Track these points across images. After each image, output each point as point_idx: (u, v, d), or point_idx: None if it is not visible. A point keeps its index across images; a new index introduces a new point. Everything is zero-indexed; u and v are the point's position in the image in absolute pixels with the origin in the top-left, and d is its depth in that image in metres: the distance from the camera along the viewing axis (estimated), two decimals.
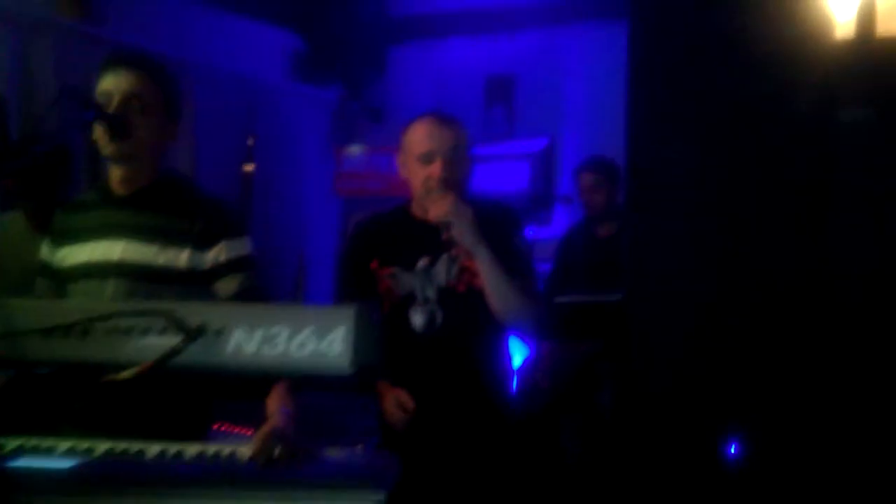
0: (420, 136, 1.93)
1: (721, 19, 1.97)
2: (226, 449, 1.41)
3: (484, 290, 1.86)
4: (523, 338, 2.04)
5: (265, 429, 1.40)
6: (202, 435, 1.74)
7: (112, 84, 1.63)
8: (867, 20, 1.92)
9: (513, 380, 2.19)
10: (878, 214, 1.94)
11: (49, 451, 1.36)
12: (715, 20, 1.98)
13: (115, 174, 1.69)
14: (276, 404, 1.54)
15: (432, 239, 1.88)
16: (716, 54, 1.97)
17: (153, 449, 1.40)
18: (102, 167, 2.06)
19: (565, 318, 3.31)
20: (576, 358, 3.39)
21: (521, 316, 1.90)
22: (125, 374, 0.95)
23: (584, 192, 3.45)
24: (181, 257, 1.65)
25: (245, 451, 1.37)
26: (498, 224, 1.92)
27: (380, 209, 2.15)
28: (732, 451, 2.17)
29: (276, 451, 1.27)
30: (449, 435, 1.91)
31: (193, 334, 0.97)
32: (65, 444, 1.40)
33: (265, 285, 1.79)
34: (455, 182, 1.89)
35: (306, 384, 1.54)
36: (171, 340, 0.98)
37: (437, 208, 1.82)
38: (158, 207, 1.68)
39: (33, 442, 1.39)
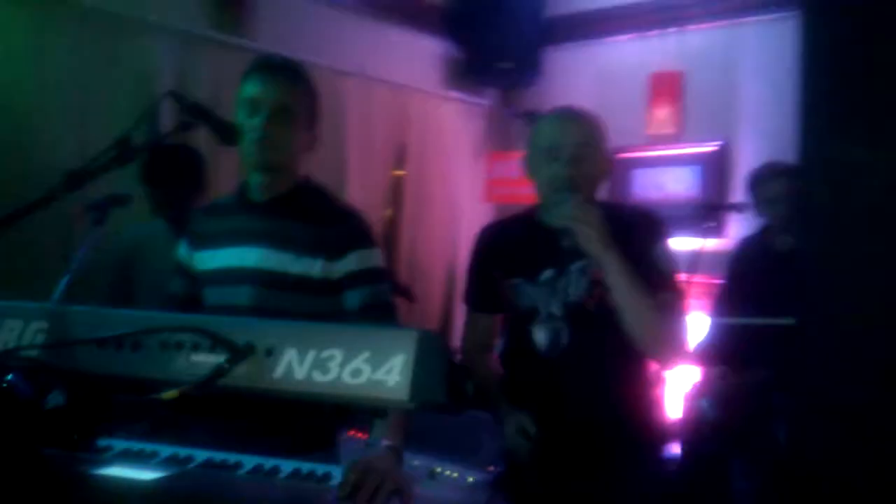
0: (544, 132, 1.75)
1: None
2: (320, 469, 1.35)
3: (615, 304, 1.63)
4: (661, 363, 1.75)
5: (359, 461, 1.30)
6: (330, 441, 1.69)
7: (260, 92, 1.61)
8: None
9: (658, 410, 1.92)
10: None
11: (149, 458, 1.36)
12: None
13: (255, 180, 1.68)
14: (379, 433, 1.44)
15: (559, 247, 1.68)
16: None
17: (249, 462, 1.37)
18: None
19: (733, 341, 2.93)
20: (750, 387, 3.00)
21: (656, 337, 1.64)
22: (169, 393, 0.87)
23: (773, 201, 3.02)
24: (315, 266, 1.61)
25: (338, 474, 1.30)
26: (636, 231, 1.68)
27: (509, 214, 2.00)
28: None
29: (367, 484, 1.18)
30: (573, 468, 1.70)
31: (240, 354, 0.87)
32: (166, 451, 1.40)
33: (392, 301, 1.71)
34: (583, 182, 1.69)
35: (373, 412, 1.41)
36: (219, 358, 0.89)
37: (559, 211, 1.62)
38: (295, 215, 1.65)
39: (138, 447, 1.40)
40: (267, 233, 1.64)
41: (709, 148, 4.02)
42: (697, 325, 3.20)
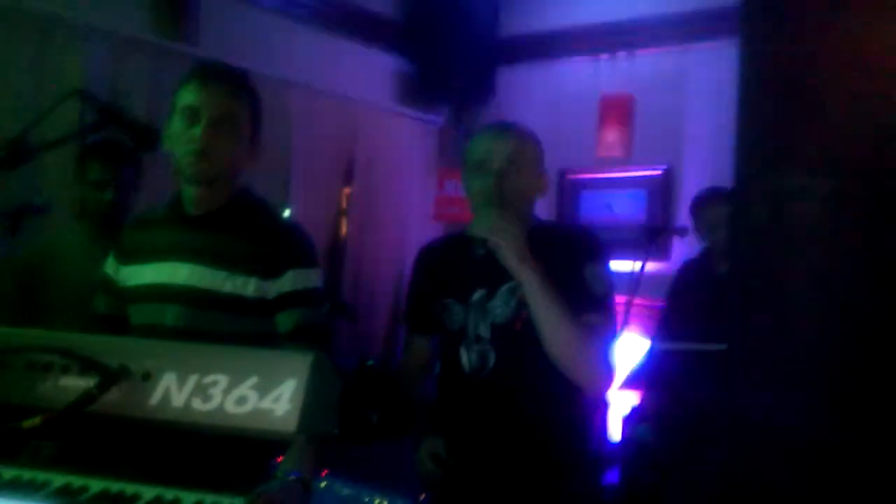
0: (475, 146, 1.70)
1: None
2: (225, 501, 1.26)
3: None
4: (585, 388, 1.69)
5: (260, 495, 1.21)
6: (262, 471, 1.59)
7: (198, 100, 1.51)
8: None
9: (594, 435, 1.87)
10: None
11: (38, 489, 1.25)
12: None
13: (189, 193, 1.58)
14: (287, 464, 1.35)
15: (492, 268, 1.62)
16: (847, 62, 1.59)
17: (149, 494, 1.27)
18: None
19: (673, 365, 2.92)
20: (688, 412, 2.99)
21: (576, 359, 1.57)
22: (31, 421, 0.78)
23: (714, 226, 3.04)
24: (249, 285, 1.51)
25: None
26: (569, 250, 1.63)
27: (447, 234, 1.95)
28: None
29: None
30: (498, 495, 1.64)
31: (111, 378, 0.79)
32: (59, 481, 1.29)
33: (326, 325, 1.62)
34: (511, 196, 1.64)
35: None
36: (91, 382, 0.81)
37: (477, 224, 1.57)
38: (229, 230, 1.56)
39: (28, 476, 1.29)
40: (198, 248, 1.54)
41: (655, 172, 4.05)
42: (637, 348, 3.19)
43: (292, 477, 1.29)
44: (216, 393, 0.78)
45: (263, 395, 0.77)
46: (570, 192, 4.24)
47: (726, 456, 2.57)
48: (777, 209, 1.75)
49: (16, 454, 1.29)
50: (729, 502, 2.06)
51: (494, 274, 1.64)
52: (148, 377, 0.79)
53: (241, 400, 0.77)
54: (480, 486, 1.65)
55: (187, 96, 1.53)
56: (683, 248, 3.68)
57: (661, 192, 4.03)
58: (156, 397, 0.78)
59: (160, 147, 1.51)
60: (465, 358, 1.68)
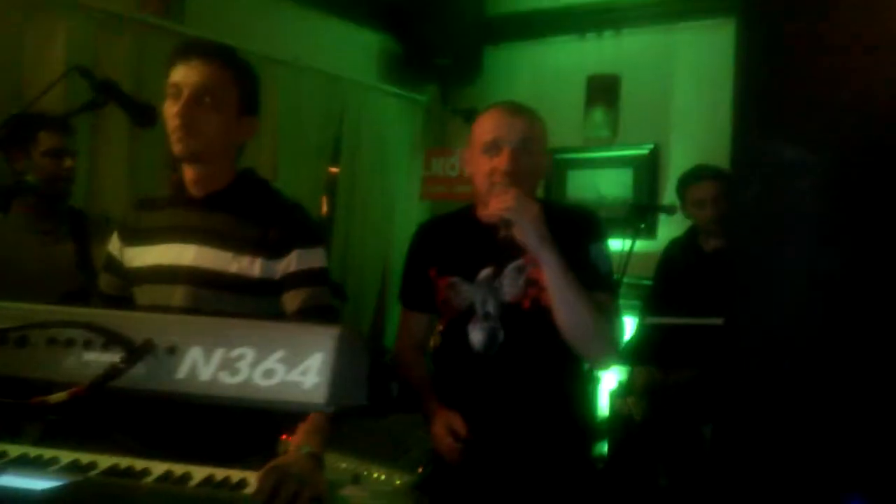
0: (487, 125, 1.70)
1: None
2: (235, 477, 1.26)
3: (550, 303, 1.60)
4: (592, 364, 1.73)
5: (272, 464, 1.22)
6: (268, 446, 1.60)
7: (182, 76, 1.50)
8: None
9: (591, 410, 1.91)
10: None
11: (45, 465, 1.25)
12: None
13: (188, 174, 1.58)
14: (297, 438, 1.36)
15: (498, 246, 1.63)
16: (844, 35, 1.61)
17: (158, 469, 1.27)
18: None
19: (660, 340, 2.96)
20: (676, 387, 3.04)
21: (589, 337, 1.60)
22: (56, 396, 0.78)
23: (700, 203, 3.07)
24: (255, 266, 1.52)
25: (255, 481, 1.22)
26: (573, 229, 1.64)
27: (446, 212, 1.94)
28: None
29: (283, 491, 1.10)
30: (507, 470, 1.66)
31: (137, 353, 0.79)
32: (67, 458, 1.29)
33: (332, 304, 1.62)
34: (523, 177, 1.65)
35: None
36: (115, 357, 0.81)
37: (498, 202, 1.57)
38: (233, 211, 1.55)
39: (36, 453, 1.29)
40: (204, 229, 1.54)
41: (641, 151, 4.07)
42: (625, 324, 3.22)
43: (305, 450, 1.30)
44: (243, 366, 0.78)
45: (291, 369, 0.77)
46: (556, 171, 4.25)
47: (717, 429, 2.63)
48: (774, 185, 1.78)
49: (17, 432, 1.29)
50: (723, 479, 2.12)
51: (501, 252, 1.65)
52: (173, 351, 0.79)
53: (269, 373, 0.77)
54: (495, 460, 1.66)
55: (172, 75, 1.52)
56: (670, 227, 3.72)
57: (648, 170, 4.06)
58: (182, 371, 0.78)
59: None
60: (474, 336, 1.69)
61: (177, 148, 1.51)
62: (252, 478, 1.23)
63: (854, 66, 1.58)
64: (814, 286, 1.73)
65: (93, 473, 1.22)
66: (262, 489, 1.10)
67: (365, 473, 2.27)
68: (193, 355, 0.80)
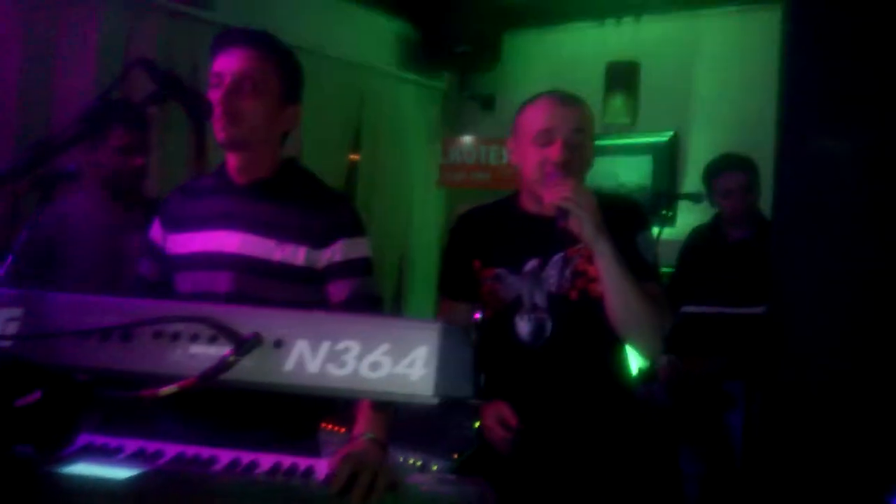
0: (538, 115, 1.68)
1: None
2: (302, 464, 1.28)
3: (602, 294, 1.60)
4: (642, 354, 1.74)
5: (344, 452, 1.24)
6: (310, 434, 1.63)
7: (223, 64, 1.51)
8: None
9: (634, 398, 1.92)
10: None
11: (113, 454, 1.26)
12: None
13: (232, 161, 1.58)
14: (361, 426, 1.38)
15: (545, 236, 1.63)
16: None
17: (225, 457, 1.29)
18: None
19: (689, 329, 2.97)
20: (701, 376, 3.05)
21: (643, 328, 1.61)
22: (166, 389, 0.79)
23: (728, 193, 3.06)
24: (298, 254, 1.52)
25: (322, 468, 1.24)
26: (619, 219, 1.64)
27: (485, 201, 1.94)
28: None
29: (361, 479, 1.12)
30: (555, 460, 1.68)
31: (246, 346, 0.80)
32: (132, 446, 1.31)
33: (379, 295, 1.64)
34: (576, 167, 1.64)
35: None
36: (221, 350, 0.82)
37: (554, 192, 1.56)
38: (278, 199, 1.56)
39: (101, 441, 1.30)
40: (249, 217, 1.55)
41: (661, 138, 4.07)
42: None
43: (370, 436, 1.32)
44: (349, 359, 0.79)
45: (397, 361, 0.78)
46: None
47: (750, 416, 2.64)
48: (822, 177, 1.79)
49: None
50: (752, 461, 2.14)
51: (546, 242, 1.66)
52: (280, 344, 0.80)
53: (375, 365, 0.79)
54: (549, 449, 1.68)
55: (214, 64, 1.53)
56: (690, 216, 3.72)
57: (668, 158, 4.06)
58: (290, 364, 0.80)
59: None
60: (521, 327, 1.70)
61: (220, 136, 1.51)
62: (319, 465, 1.25)
63: None
64: (858, 279, 1.74)
65: (163, 462, 1.23)
66: (340, 477, 1.11)
67: (401, 459, 2.29)
68: (300, 348, 0.81)
